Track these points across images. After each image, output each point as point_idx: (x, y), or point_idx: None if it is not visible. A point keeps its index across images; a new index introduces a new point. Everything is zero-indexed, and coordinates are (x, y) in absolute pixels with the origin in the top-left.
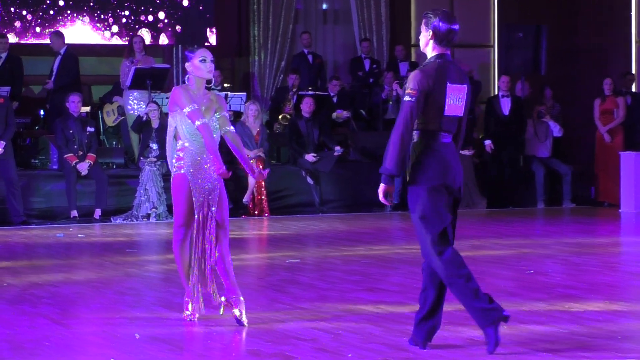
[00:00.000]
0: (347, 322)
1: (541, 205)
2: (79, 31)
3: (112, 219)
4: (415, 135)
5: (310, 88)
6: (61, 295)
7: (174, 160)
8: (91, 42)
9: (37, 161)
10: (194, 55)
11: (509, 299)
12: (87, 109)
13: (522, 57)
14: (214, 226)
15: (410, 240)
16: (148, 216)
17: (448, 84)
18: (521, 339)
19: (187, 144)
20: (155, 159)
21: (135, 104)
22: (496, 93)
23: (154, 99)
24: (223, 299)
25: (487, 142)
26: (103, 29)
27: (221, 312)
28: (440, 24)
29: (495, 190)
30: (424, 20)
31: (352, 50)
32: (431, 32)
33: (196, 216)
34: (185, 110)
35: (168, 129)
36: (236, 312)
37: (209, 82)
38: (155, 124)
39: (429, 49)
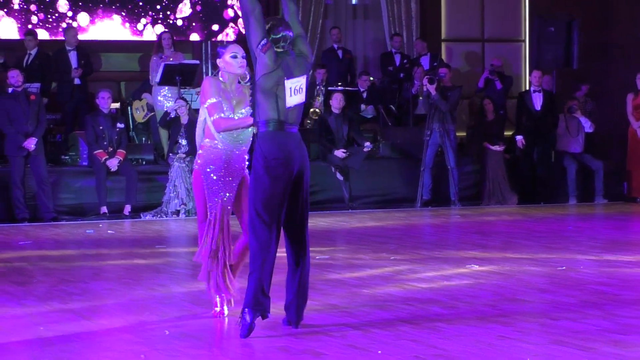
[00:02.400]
0: (377, 319)
1: (573, 201)
2: (108, 27)
3: (141, 215)
4: None
5: (339, 83)
6: (91, 291)
7: (198, 160)
8: (120, 39)
9: (67, 157)
10: (225, 50)
11: (540, 296)
12: (117, 105)
13: (554, 52)
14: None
15: (441, 236)
16: (177, 212)
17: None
18: (553, 336)
19: (207, 141)
20: (184, 155)
21: (165, 100)
22: (527, 88)
23: (182, 95)
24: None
25: (519, 137)
26: (133, 24)
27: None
28: (273, 28)
29: (527, 186)
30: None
31: (381, 45)
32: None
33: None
34: (207, 102)
35: (198, 118)
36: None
37: (242, 78)
38: (184, 120)
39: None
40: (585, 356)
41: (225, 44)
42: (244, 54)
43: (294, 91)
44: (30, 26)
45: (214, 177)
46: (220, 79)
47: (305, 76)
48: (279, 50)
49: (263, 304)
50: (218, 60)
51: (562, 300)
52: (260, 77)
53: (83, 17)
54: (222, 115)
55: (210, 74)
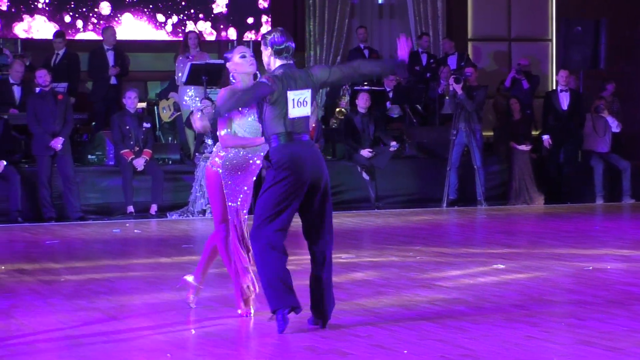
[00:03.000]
0: (403, 319)
1: (600, 201)
2: (134, 27)
3: (168, 215)
4: None
5: (365, 83)
6: (118, 290)
7: (216, 159)
8: (146, 38)
9: (93, 157)
10: (232, 54)
11: (567, 296)
12: (143, 105)
13: (581, 52)
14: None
15: (467, 236)
16: (203, 212)
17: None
18: (580, 336)
19: (227, 153)
20: (210, 155)
21: (191, 99)
22: (554, 87)
23: (208, 95)
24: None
25: (545, 137)
26: (159, 24)
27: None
28: (277, 39)
29: (553, 186)
30: (262, 41)
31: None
32: (270, 49)
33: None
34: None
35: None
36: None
37: (255, 76)
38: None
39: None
40: (612, 357)
41: (230, 49)
42: (252, 53)
43: (297, 103)
44: (68, 20)
45: (230, 183)
46: (233, 81)
47: (309, 90)
48: (282, 61)
49: (286, 300)
50: (228, 64)
51: (589, 300)
52: (269, 101)
53: (126, 18)
54: (229, 131)
55: None
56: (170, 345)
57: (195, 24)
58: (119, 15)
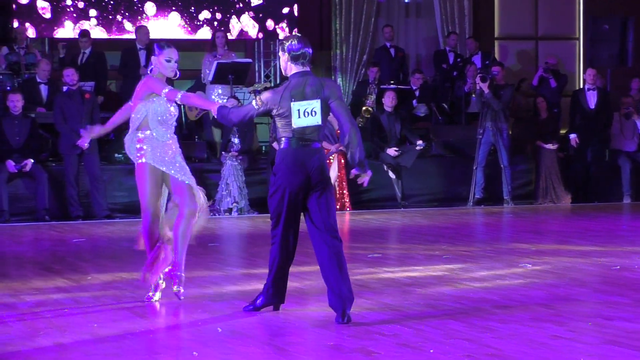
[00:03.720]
0: (430, 318)
1: (627, 199)
2: (162, 26)
3: None
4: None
5: (392, 82)
6: (144, 288)
7: (134, 149)
8: (174, 37)
9: (120, 156)
10: (161, 53)
11: (594, 295)
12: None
13: (608, 50)
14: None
15: (493, 235)
16: (230, 210)
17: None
18: (607, 336)
19: (147, 132)
20: (236, 154)
21: (219, 98)
22: (582, 86)
23: (234, 94)
24: (166, 270)
25: (572, 135)
26: (187, 23)
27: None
28: (294, 45)
29: (581, 185)
30: (280, 47)
31: (434, 43)
32: (287, 55)
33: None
34: (163, 92)
35: (134, 115)
36: (175, 288)
37: (169, 79)
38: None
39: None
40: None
41: (164, 45)
42: (178, 59)
43: (304, 113)
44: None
45: (159, 157)
46: (149, 73)
47: (318, 100)
48: (297, 68)
49: (271, 297)
50: (153, 58)
51: (616, 300)
52: (273, 114)
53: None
54: (184, 92)
55: (262, 73)
56: (196, 344)
57: (227, 21)
58: (148, 14)
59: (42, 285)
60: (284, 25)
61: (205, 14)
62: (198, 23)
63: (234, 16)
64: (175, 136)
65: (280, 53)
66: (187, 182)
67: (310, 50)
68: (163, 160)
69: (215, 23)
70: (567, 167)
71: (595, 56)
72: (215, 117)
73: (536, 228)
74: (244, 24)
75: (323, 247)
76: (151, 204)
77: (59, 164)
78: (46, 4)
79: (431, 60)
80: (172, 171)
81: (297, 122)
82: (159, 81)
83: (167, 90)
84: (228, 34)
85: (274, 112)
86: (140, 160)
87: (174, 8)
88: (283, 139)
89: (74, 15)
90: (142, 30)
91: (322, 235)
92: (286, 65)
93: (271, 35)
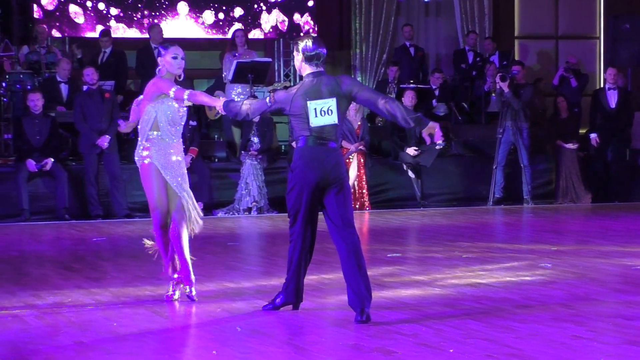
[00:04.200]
0: (449, 317)
1: None
2: (181, 25)
3: (213, 213)
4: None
5: (411, 81)
6: (163, 288)
7: (140, 150)
8: (193, 37)
9: None
10: (167, 52)
11: (614, 295)
12: (190, 102)
13: (629, 49)
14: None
15: (513, 235)
16: (249, 210)
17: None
18: (627, 336)
19: (156, 133)
20: (256, 153)
21: (238, 97)
22: (602, 86)
23: (254, 93)
24: (175, 275)
25: (593, 135)
26: (205, 22)
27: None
28: (308, 46)
29: (601, 184)
30: (294, 47)
31: (454, 42)
32: (301, 55)
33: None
34: (171, 92)
35: (144, 117)
36: (186, 289)
37: (178, 77)
38: (256, 117)
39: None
40: None
41: (167, 45)
42: (184, 56)
43: (321, 112)
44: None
45: (168, 164)
46: (159, 75)
47: (334, 98)
48: (311, 68)
49: (290, 295)
50: (159, 59)
51: (636, 300)
52: (287, 113)
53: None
54: (191, 90)
55: (282, 72)
56: (215, 343)
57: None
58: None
59: (62, 284)
60: (308, 19)
61: (238, 11)
62: (229, 21)
63: (264, 12)
64: (182, 138)
65: (295, 53)
66: (182, 199)
67: (325, 51)
68: (167, 166)
69: (249, 18)
70: (587, 167)
71: (616, 55)
72: (222, 112)
73: (556, 228)
74: (278, 19)
75: (341, 244)
76: (160, 202)
77: (79, 163)
78: (78, 9)
79: (451, 60)
80: (174, 184)
81: (315, 121)
82: (167, 81)
83: (174, 89)
84: (257, 30)
85: (286, 111)
86: (145, 161)
87: (209, 6)
88: (300, 137)
89: (97, 15)
90: (155, 29)
91: (340, 232)
92: (300, 65)
93: (296, 28)
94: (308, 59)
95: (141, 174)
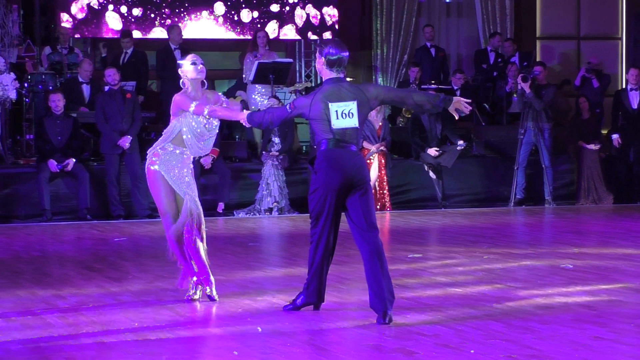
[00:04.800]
0: (470, 318)
1: None
2: (202, 26)
3: (234, 213)
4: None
5: (432, 82)
6: (185, 288)
7: (151, 154)
8: (215, 37)
9: None
10: (184, 61)
11: (636, 297)
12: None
13: None
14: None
15: (534, 236)
16: (270, 210)
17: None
18: None
19: (172, 147)
20: (277, 153)
21: (259, 98)
22: (624, 86)
23: (275, 94)
24: (195, 278)
25: (615, 136)
26: (228, 23)
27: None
28: (331, 50)
29: (623, 185)
30: (317, 50)
31: (475, 43)
32: (323, 59)
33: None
34: (191, 108)
35: (168, 128)
36: (207, 290)
37: (203, 83)
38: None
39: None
40: None
41: (183, 57)
42: (202, 62)
43: (342, 114)
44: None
45: (176, 174)
46: (184, 88)
47: (355, 102)
48: (332, 74)
49: (311, 295)
50: (179, 70)
51: None
52: (307, 118)
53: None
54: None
55: (303, 73)
56: (236, 343)
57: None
58: (185, 14)
59: (83, 284)
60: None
61: (274, 7)
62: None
63: (298, 7)
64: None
65: (317, 55)
66: (186, 200)
67: (347, 55)
68: (172, 175)
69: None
70: (609, 168)
71: (638, 56)
72: (247, 125)
73: (578, 229)
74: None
75: (364, 246)
76: (169, 207)
77: (101, 163)
78: (114, 14)
79: (472, 60)
80: (178, 189)
81: (336, 123)
82: (186, 98)
83: (194, 105)
84: (291, 25)
85: (306, 115)
86: (152, 167)
87: (245, 5)
88: (322, 141)
89: (132, 18)
90: (175, 30)
91: (363, 234)
92: (322, 69)
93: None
94: (329, 64)
95: (148, 178)
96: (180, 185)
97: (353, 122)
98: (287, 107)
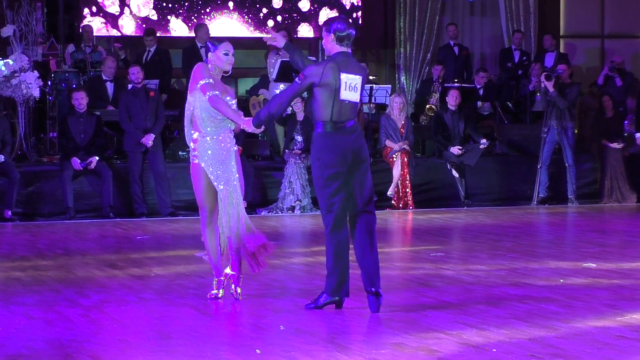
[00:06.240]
0: (492, 317)
1: None
2: (226, 24)
3: (257, 211)
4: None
5: (456, 80)
6: (207, 286)
7: (191, 148)
8: (238, 35)
9: (184, 153)
10: (218, 48)
11: None
12: (234, 102)
13: None
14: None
15: (557, 235)
16: (292, 208)
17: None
18: None
19: (197, 134)
20: (299, 152)
21: None
22: None
23: None
24: (223, 277)
25: (638, 135)
26: (251, 21)
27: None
28: (339, 26)
29: None
30: (324, 28)
31: (499, 42)
32: (332, 35)
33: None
34: (199, 84)
35: (186, 112)
36: (232, 288)
37: (226, 73)
38: (299, 116)
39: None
40: None
41: (217, 42)
42: (234, 52)
43: (349, 87)
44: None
45: (211, 169)
46: (209, 66)
47: (361, 77)
48: (341, 48)
49: (333, 291)
50: (210, 54)
51: None
52: (316, 86)
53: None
54: (217, 93)
55: None
56: (258, 341)
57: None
58: (212, 13)
59: (106, 281)
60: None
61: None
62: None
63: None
64: (232, 132)
65: (325, 33)
66: (219, 193)
67: (354, 32)
68: (210, 161)
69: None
70: (632, 166)
71: None
72: (251, 130)
73: (601, 227)
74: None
75: (358, 224)
76: (207, 201)
77: (124, 161)
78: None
79: (495, 59)
80: (220, 186)
81: (344, 94)
82: (204, 71)
83: (203, 82)
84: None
85: (316, 84)
86: (194, 161)
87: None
88: (317, 123)
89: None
90: (202, 29)
91: (358, 212)
92: (331, 45)
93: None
94: (339, 40)
95: (191, 171)
96: (215, 169)
97: (357, 96)
98: (297, 79)
